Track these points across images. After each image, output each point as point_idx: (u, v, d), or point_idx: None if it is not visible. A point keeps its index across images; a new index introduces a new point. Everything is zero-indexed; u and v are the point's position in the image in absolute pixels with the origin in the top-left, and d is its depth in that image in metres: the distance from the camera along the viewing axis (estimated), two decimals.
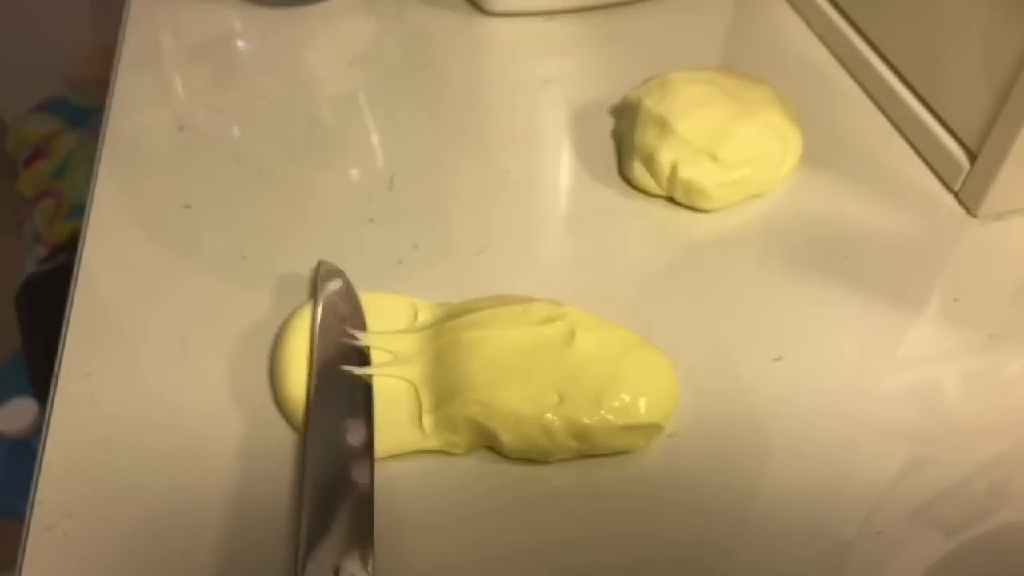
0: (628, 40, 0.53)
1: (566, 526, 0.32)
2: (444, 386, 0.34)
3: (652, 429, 0.33)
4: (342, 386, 0.34)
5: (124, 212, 0.43)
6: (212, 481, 0.33)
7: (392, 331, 0.36)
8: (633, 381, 0.33)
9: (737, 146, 0.41)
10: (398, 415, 0.34)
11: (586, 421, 0.32)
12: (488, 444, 0.33)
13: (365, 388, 0.34)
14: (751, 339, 0.37)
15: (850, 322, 0.38)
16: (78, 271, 0.40)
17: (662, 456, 0.34)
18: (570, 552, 0.31)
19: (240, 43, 0.54)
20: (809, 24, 0.53)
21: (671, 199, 0.43)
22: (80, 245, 0.41)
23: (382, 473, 0.33)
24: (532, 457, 0.33)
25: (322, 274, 0.38)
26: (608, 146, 0.46)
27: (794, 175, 0.44)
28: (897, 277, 0.40)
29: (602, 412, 0.32)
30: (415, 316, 0.37)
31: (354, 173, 0.46)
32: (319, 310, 0.36)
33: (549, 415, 0.32)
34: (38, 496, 0.32)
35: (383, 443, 0.33)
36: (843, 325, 0.38)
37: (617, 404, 0.33)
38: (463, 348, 0.34)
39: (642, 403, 0.33)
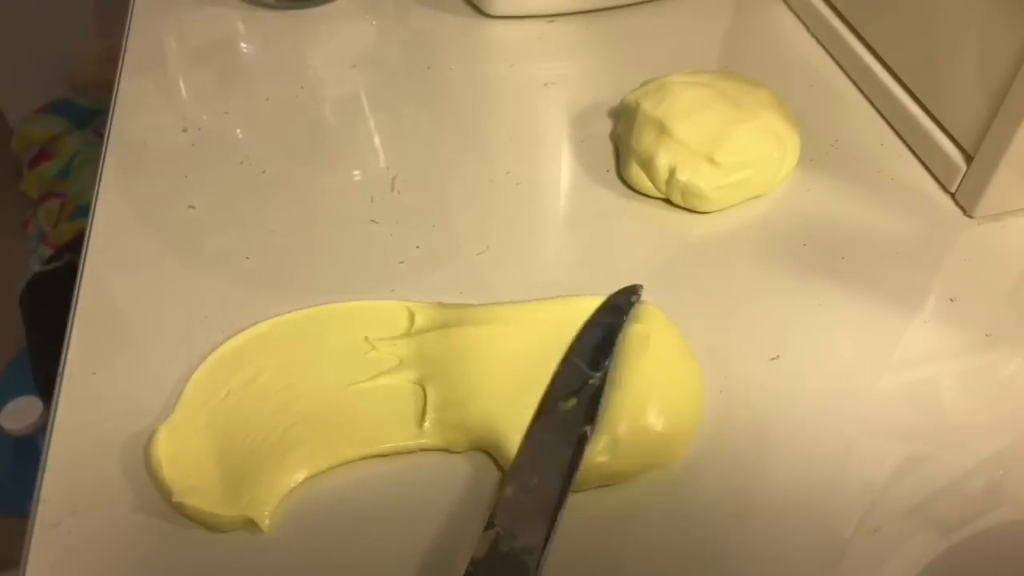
0: (627, 42, 0.54)
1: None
2: (456, 387, 0.34)
3: (671, 457, 0.33)
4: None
5: (128, 213, 0.43)
6: None
7: (395, 336, 0.36)
8: (661, 411, 0.33)
9: (735, 149, 0.41)
10: (399, 412, 0.34)
11: (603, 459, 0.32)
12: (489, 451, 0.34)
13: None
14: (749, 338, 0.37)
15: (847, 322, 0.38)
16: (83, 271, 0.40)
17: None
18: (567, 548, 0.31)
19: (243, 46, 0.55)
20: (807, 27, 0.53)
21: (670, 201, 0.43)
22: (85, 245, 0.42)
23: (381, 470, 0.33)
24: None
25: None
26: (607, 148, 0.46)
27: (792, 177, 0.44)
28: (894, 277, 0.40)
29: (626, 448, 0.32)
30: (412, 319, 0.37)
31: (357, 174, 0.46)
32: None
33: None
34: (43, 494, 0.33)
35: (383, 440, 0.33)
36: (840, 325, 0.38)
37: (645, 442, 0.32)
38: (478, 346, 0.35)
39: (668, 439, 0.33)
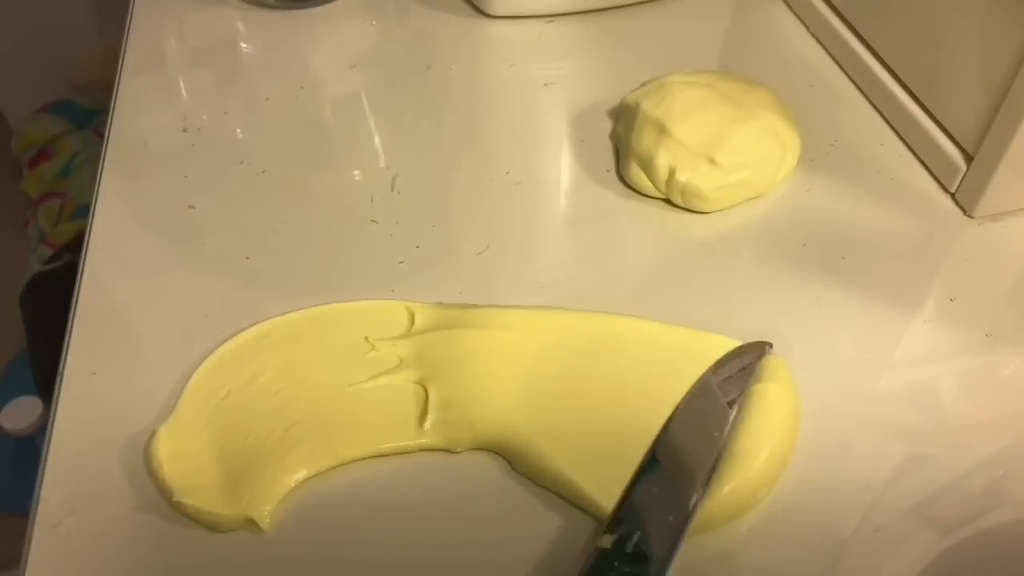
0: (627, 42, 0.54)
1: (564, 524, 0.32)
2: (462, 387, 0.34)
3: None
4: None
5: (128, 213, 0.43)
6: None
7: (395, 336, 0.37)
8: (765, 471, 0.32)
9: (735, 149, 0.41)
10: (399, 412, 0.34)
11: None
12: (500, 453, 0.34)
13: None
14: (748, 339, 0.37)
15: (847, 322, 0.38)
16: (83, 271, 0.40)
17: None
18: (566, 547, 0.31)
19: (243, 45, 0.55)
20: (807, 27, 0.53)
21: (670, 201, 0.43)
22: (85, 245, 0.42)
23: (381, 470, 0.33)
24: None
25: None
26: (607, 148, 0.46)
27: (792, 177, 0.44)
28: (894, 277, 0.40)
29: (722, 506, 0.31)
30: (412, 319, 0.37)
31: (356, 174, 0.46)
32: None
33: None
34: (42, 493, 0.33)
35: (384, 440, 0.33)
36: (840, 325, 0.38)
37: (741, 500, 0.31)
38: (484, 349, 0.35)
39: (760, 492, 0.32)
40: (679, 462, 0.31)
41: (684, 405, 0.33)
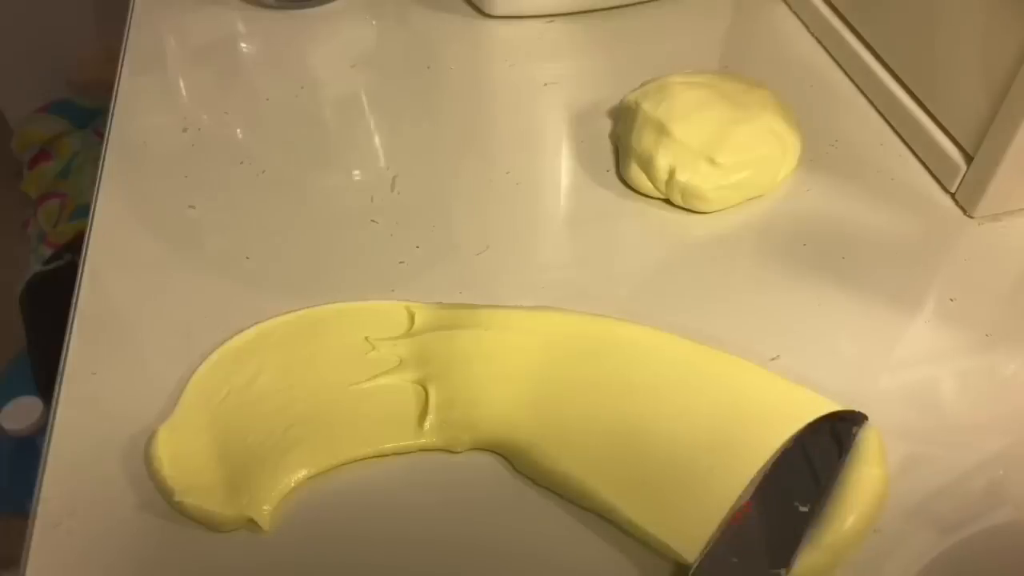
0: (627, 42, 0.54)
1: (564, 524, 0.32)
2: (463, 387, 0.34)
3: None
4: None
5: (128, 213, 0.43)
6: None
7: (395, 336, 0.37)
8: (848, 551, 0.31)
9: (735, 150, 0.41)
10: (399, 412, 0.34)
11: None
12: (501, 453, 0.34)
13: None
14: (749, 338, 0.37)
15: (847, 322, 0.38)
16: (83, 271, 0.40)
17: None
18: (567, 547, 0.31)
19: (243, 45, 0.55)
20: (807, 27, 0.53)
21: (669, 201, 0.43)
22: (85, 245, 0.42)
23: (381, 470, 0.33)
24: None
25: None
26: (607, 148, 0.46)
27: (792, 177, 0.44)
28: (894, 277, 0.40)
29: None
30: (412, 319, 0.37)
31: (356, 174, 0.46)
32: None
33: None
34: (42, 494, 0.33)
35: (383, 440, 0.33)
36: (840, 325, 0.38)
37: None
38: (485, 349, 0.35)
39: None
40: (764, 533, 0.30)
41: (772, 471, 0.32)
